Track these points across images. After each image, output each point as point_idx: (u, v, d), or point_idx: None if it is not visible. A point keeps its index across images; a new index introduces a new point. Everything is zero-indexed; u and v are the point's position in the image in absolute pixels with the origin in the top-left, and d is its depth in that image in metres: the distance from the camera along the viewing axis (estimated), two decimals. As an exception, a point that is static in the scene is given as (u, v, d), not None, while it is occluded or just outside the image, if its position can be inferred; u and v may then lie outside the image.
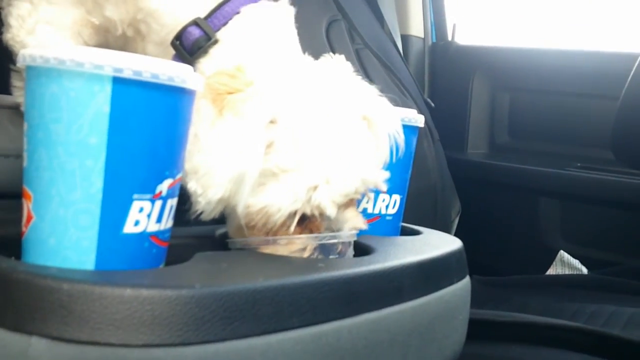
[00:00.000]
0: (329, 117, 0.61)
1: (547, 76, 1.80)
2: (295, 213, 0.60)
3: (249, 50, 0.67)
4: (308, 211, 0.60)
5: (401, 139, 0.69)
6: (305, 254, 0.61)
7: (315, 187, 0.59)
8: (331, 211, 0.60)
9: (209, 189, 0.58)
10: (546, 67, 1.81)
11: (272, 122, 0.59)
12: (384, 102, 0.68)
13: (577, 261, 1.64)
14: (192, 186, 0.59)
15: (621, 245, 1.64)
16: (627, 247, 1.63)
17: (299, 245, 0.61)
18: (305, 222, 0.62)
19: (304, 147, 0.59)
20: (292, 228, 0.60)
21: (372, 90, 0.67)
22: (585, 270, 1.62)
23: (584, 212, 1.71)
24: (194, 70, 0.66)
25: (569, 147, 1.77)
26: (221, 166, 0.58)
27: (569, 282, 1.52)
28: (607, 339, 1.04)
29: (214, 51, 0.67)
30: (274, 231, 0.61)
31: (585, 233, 1.70)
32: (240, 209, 0.59)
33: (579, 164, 1.71)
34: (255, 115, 0.58)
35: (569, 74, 1.76)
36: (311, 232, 0.62)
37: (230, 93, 0.60)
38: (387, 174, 0.64)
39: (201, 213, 0.60)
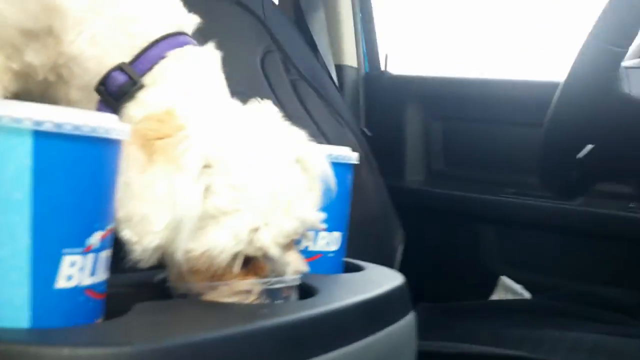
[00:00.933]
0: (263, 159, 0.61)
1: (476, 105, 1.85)
2: (237, 255, 0.59)
3: (177, 94, 0.66)
4: (251, 252, 0.59)
5: (333, 181, 0.69)
6: (251, 299, 0.60)
7: (257, 229, 0.58)
8: (274, 252, 0.59)
9: (144, 236, 0.56)
10: (474, 96, 1.86)
11: (206, 166, 0.58)
12: (314, 145, 0.69)
13: (519, 286, 1.66)
14: (126, 234, 0.57)
15: (559, 269, 1.68)
16: (564, 270, 1.67)
17: (244, 288, 0.60)
18: (249, 265, 0.61)
19: (242, 189, 0.58)
20: (237, 269, 0.59)
21: (301, 134, 0.68)
22: (527, 295, 1.65)
23: (521, 237, 1.75)
24: (121, 116, 0.65)
25: (502, 174, 1.81)
26: (156, 213, 0.56)
27: (513, 307, 1.54)
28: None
29: (140, 95, 0.66)
30: (218, 274, 0.60)
31: (524, 257, 1.74)
32: (179, 255, 0.58)
33: (513, 190, 1.75)
34: (189, 160, 0.57)
35: (497, 102, 1.81)
36: (256, 274, 0.61)
37: (160, 138, 0.59)
38: (323, 215, 0.64)
39: (138, 261, 0.58)
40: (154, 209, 0.56)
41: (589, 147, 1.21)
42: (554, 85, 1.25)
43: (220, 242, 0.57)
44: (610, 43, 1.08)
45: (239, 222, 0.58)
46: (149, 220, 0.56)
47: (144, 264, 0.58)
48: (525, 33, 2.10)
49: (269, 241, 0.59)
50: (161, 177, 0.57)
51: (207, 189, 0.58)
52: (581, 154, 1.22)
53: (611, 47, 1.09)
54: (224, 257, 0.58)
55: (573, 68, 1.16)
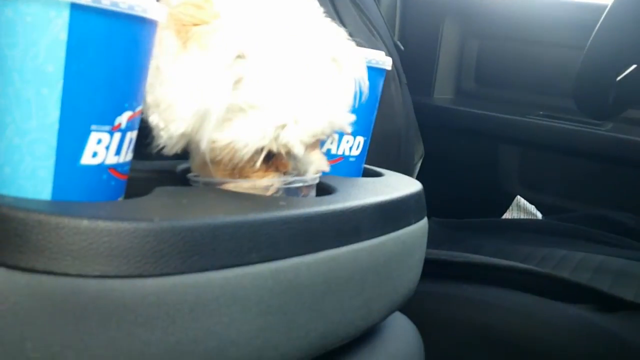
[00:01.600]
0: (299, 55, 0.59)
1: (516, 24, 1.80)
2: (262, 150, 0.59)
3: None
4: (275, 149, 0.59)
5: (366, 85, 0.68)
6: (269, 193, 0.61)
7: (284, 126, 0.58)
8: (299, 150, 0.59)
9: (171, 122, 0.57)
10: (515, 15, 1.81)
11: (240, 56, 0.57)
12: (352, 46, 0.67)
13: (532, 206, 1.68)
14: (153, 119, 0.57)
15: (577, 193, 1.69)
16: (582, 195, 1.68)
17: (264, 185, 0.61)
18: (272, 160, 0.61)
19: (274, 84, 0.57)
20: (259, 164, 0.60)
21: (340, 33, 0.66)
22: (539, 216, 1.67)
23: (543, 159, 1.75)
24: (158, -1, 0.65)
25: (534, 95, 1.79)
26: (184, 100, 0.56)
27: (523, 226, 1.56)
28: (555, 281, 1.08)
29: None
30: (240, 167, 0.61)
31: (542, 180, 1.75)
32: (204, 144, 0.58)
33: (541, 112, 1.73)
34: (222, 49, 0.56)
35: (537, 22, 1.77)
36: (277, 170, 0.62)
37: (195, 25, 0.58)
38: (353, 117, 0.64)
39: (163, 147, 0.59)
40: (182, 96, 0.56)
41: (632, 67, 1.20)
42: (598, 7, 1.23)
43: (245, 135, 0.57)
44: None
45: (266, 117, 0.57)
46: (177, 106, 0.56)
47: (168, 151, 0.59)
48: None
49: (294, 139, 0.58)
50: (193, 64, 0.56)
51: (237, 81, 0.57)
52: (622, 76, 1.21)
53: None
54: (247, 150, 0.58)
55: None
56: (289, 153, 0.60)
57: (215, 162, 0.61)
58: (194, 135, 0.59)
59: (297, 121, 0.58)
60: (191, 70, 0.56)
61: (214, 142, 0.58)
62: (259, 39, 0.58)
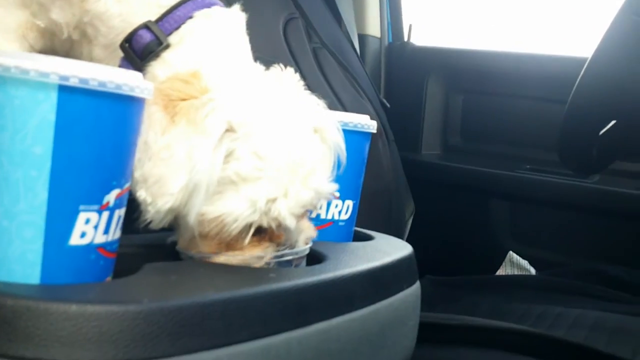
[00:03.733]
0: (285, 128, 0.60)
1: (499, 79, 1.84)
2: (250, 225, 0.59)
3: (203, 55, 0.66)
4: (265, 224, 0.59)
5: (344, 154, 0.69)
6: (259, 265, 0.61)
7: (275, 199, 0.58)
8: (290, 223, 0.60)
9: (159, 197, 0.57)
10: (498, 70, 1.85)
11: (229, 130, 0.58)
12: (330, 115, 0.69)
13: (525, 262, 1.68)
14: (141, 195, 0.57)
15: (568, 246, 1.69)
16: (573, 248, 1.68)
17: (254, 256, 0.61)
18: (262, 234, 0.61)
19: (264, 157, 0.58)
20: (247, 240, 0.60)
21: (319, 104, 0.67)
22: (533, 271, 1.67)
23: (533, 213, 1.76)
24: (145, 75, 0.66)
25: (519, 149, 1.81)
26: (173, 175, 0.57)
27: (517, 282, 1.56)
28: (552, 342, 1.07)
29: (166, 55, 0.66)
30: (229, 242, 0.60)
31: (534, 234, 1.75)
32: (192, 218, 0.58)
33: (528, 166, 1.75)
34: (212, 123, 0.57)
35: (520, 77, 1.80)
36: (270, 241, 0.62)
37: (183, 99, 0.58)
38: (336, 186, 0.64)
39: (150, 222, 0.59)
40: (171, 171, 0.57)
41: (613, 122, 1.21)
42: (578, 61, 1.25)
43: (236, 209, 0.57)
44: (640, 15, 1.08)
45: (257, 191, 0.58)
46: (165, 181, 0.57)
47: (155, 225, 0.59)
48: (553, 7, 2.06)
49: (285, 212, 0.59)
50: (182, 139, 0.57)
51: (229, 154, 0.57)
52: (604, 130, 1.22)
53: (641, 19, 1.08)
54: (237, 224, 0.58)
55: (602, 42, 1.16)
56: (279, 226, 0.60)
57: (204, 236, 0.60)
58: (181, 210, 0.58)
59: (287, 194, 0.59)
60: (180, 145, 0.57)
61: (202, 215, 0.58)
62: (247, 112, 0.59)
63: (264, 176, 0.58)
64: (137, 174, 0.57)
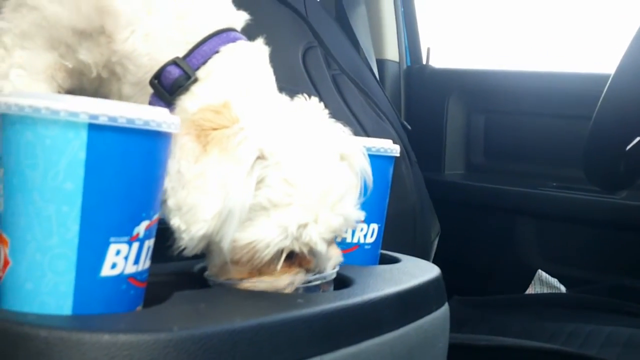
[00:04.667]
0: (314, 155, 0.62)
1: (521, 97, 1.83)
2: (282, 250, 0.60)
3: (231, 87, 0.67)
4: (297, 249, 0.60)
5: (370, 179, 0.70)
6: (288, 291, 0.62)
7: (306, 225, 0.59)
8: (322, 248, 0.61)
9: (192, 225, 0.58)
10: (519, 89, 1.84)
11: (260, 157, 0.59)
12: (356, 141, 0.70)
13: (555, 280, 1.66)
14: (175, 222, 0.59)
15: (597, 263, 1.67)
16: (603, 264, 1.65)
17: (284, 282, 0.62)
18: (293, 259, 0.62)
19: (295, 183, 0.59)
20: (280, 265, 0.60)
21: (344, 131, 0.68)
22: (563, 289, 1.64)
23: (561, 230, 1.74)
24: (175, 108, 0.68)
25: (544, 167, 1.80)
26: (207, 202, 0.58)
27: (547, 301, 1.53)
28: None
29: (195, 89, 0.68)
30: (259, 267, 0.61)
31: (562, 251, 1.73)
32: (226, 245, 0.59)
33: (554, 184, 1.73)
34: (244, 151, 0.58)
35: (542, 95, 1.80)
36: (300, 266, 0.62)
37: (215, 129, 0.60)
38: (363, 214, 0.65)
39: (184, 249, 0.60)
40: (204, 198, 0.58)
41: (639, 138, 1.20)
42: (600, 77, 1.24)
43: (268, 235, 0.58)
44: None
45: (288, 217, 0.59)
46: (199, 208, 0.58)
47: (188, 252, 0.60)
48: (572, 25, 2.06)
49: (316, 237, 0.60)
50: (214, 167, 0.58)
51: (260, 181, 0.59)
52: (630, 145, 1.21)
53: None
54: (269, 250, 0.59)
55: (624, 58, 1.15)
56: (310, 251, 0.61)
57: (235, 262, 0.61)
58: (214, 236, 0.59)
59: (317, 219, 0.60)
60: (213, 173, 0.58)
61: (235, 241, 0.59)
62: (277, 141, 0.60)
63: (295, 202, 0.59)
64: (171, 202, 0.58)
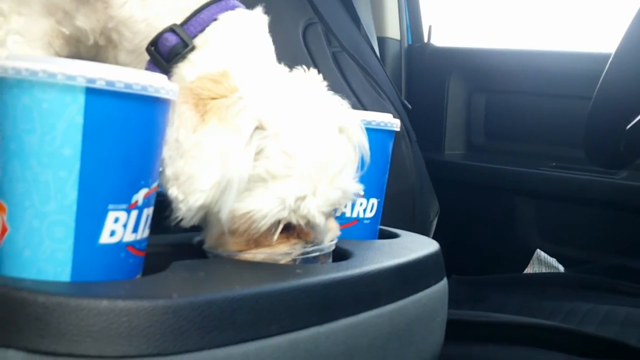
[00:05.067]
0: (313, 127, 0.61)
1: (522, 77, 1.82)
2: (279, 221, 0.60)
3: (229, 56, 0.67)
4: (294, 220, 0.60)
5: (367, 153, 0.69)
6: (286, 261, 0.62)
7: (304, 197, 0.59)
8: (320, 221, 0.60)
9: (190, 195, 0.58)
10: (521, 68, 1.83)
11: (259, 128, 0.58)
12: (354, 115, 0.69)
13: (553, 259, 1.66)
14: (173, 192, 0.58)
15: (596, 243, 1.67)
16: (601, 244, 1.66)
17: (282, 251, 0.61)
18: (290, 231, 0.62)
19: (294, 155, 0.59)
20: (276, 236, 0.60)
21: (343, 104, 0.68)
22: (561, 269, 1.65)
23: (560, 210, 1.74)
24: (172, 76, 0.67)
25: (544, 147, 1.79)
26: (205, 172, 0.57)
27: (545, 280, 1.54)
28: (583, 338, 1.06)
29: (192, 57, 0.67)
30: (256, 238, 0.61)
31: (561, 231, 1.73)
32: (224, 214, 0.58)
33: (553, 164, 1.73)
34: (243, 121, 0.58)
35: (543, 74, 1.79)
36: (299, 238, 0.62)
37: (213, 98, 0.59)
38: (362, 187, 0.65)
39: (181, 220, 0.59)
40: (202, 168, 0.57)
41: (639, 117, 1.20)
42: (601, 57, 1.24)
43: (265, 205, 0.58)
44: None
45: (287, 188, 0.58)
46: (197, 178, 0.57)
47: (186, 223, 0.60)
48: (573, 3, 2.05)
49: (314, 210, 0.59)
50: (213, 136, 0.57)
51: (259, 152, 0.58)
52: (631, 124, 1.21)
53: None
54: (266, 221, 0.59)
55: (625, 36, 1.15)
56: (308, 224, 0.61)
57: (232, 232, 0.61)
58: (212, 207, 0.59)
59: (316, 192, 0.59)
60: (211, 142, 0.58)
61: (232, 211, 0.59)
62: (276, 111, 0.60)
63: (293, 174, 0.58)
64: (169, 172, 0.58)
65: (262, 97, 0.60)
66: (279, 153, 0.58)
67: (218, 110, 0.58)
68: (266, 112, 0.59)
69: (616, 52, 1.18)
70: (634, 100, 1.21)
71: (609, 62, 1.20)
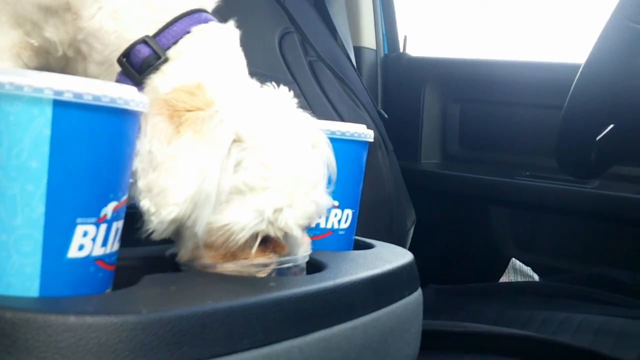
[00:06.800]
0: (289, 141, 0.61)
1: (496, 87, 1.84)
2: (257, 234, 0.59)
3: (202, 69, 0.66)
4: (272, 233, 0.59)
5: (334, 170, 0.69)
6: (261, 274, 0.61)
7: (281, 209, 0.59)
8: (297, 233, 0.60)
9: (163, 207, 0.57)
10: (495, 78, 1.85)
11: (236, 141, 0.58)
12: (323, 127, 0.69)
13: (528, 268, 1.68)
14: (144, 204, 0.57)
15: (570, 251, 1.69)
16: (575, 253, 1.68)
17: (257, 263, 0.61)
18: (267, 244, 0.61)
19: (271, 168, 0.58)
20: (254, 249, 0.60)
21: (312, 120, 0.68)
22: (536, 278, 1.66)
23: (534, 219, 1.76)
24: (145, 87, 0.66)
25: (518, 156, 1.81)
26: (180, 185, 0.57)
27: (521, 289, 1.55)
28: (557, 347, 1.06)
29: (166, 68, 0.67)
30: (233, 251, 0.60)
31: (536, 240, 1.75)
32: (201, 228, 0.58)
33: (528, 173, 1.75)
34: (221, 134, 0.57)
35: (516, 84, 1.81)
36: (274, 251, 0.62)
37: (189, 110, 0.59)
38: (335, 203, 0.66)
39: (152, 232, 0.59)
40: (177, 181, 0.57)
41: (610, 127, 1.21)
42: (572, 67, 1.25)
43: (243, 218, 0.58)
44: (633, 20, 1.08)
45: (264, 201, 0.58)
46: (171, 191, 0.57)
47: (157, 236, 0.59)
48: (545, 15, 2.07)
49: (292, 222, 0.59)
50: (188, 149, 0.57)
51: (237, 164, 0.58)
52: (601, 135, 1.22)
53: (633, 24, 1.08)
54: (244, 234, 0.58)
55: (595, 47, 1.16)
56: (285, 236, 0.61)
57: (208, 246, 0.60)
58: (185, 220, 0.58)
59: (292, 205, 0.59)
60: (187, 155, 0.57)
61: (209, 224, 0.58)
62: (253, 124, 0.59)
63: (271, 186, 0.58)
64: (141, 184, 0.57)
65: (238, 111, 0.60)
66: (257, 165, 0.58)
67: (194, 122, 0.58)
68: (243, 125, 0.59)
69: (586, 62, 1.20)
70: (604, 111, 1.23)
71: (579, 72, 1.22)
